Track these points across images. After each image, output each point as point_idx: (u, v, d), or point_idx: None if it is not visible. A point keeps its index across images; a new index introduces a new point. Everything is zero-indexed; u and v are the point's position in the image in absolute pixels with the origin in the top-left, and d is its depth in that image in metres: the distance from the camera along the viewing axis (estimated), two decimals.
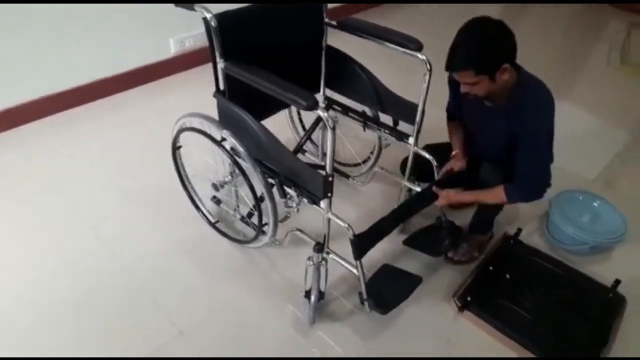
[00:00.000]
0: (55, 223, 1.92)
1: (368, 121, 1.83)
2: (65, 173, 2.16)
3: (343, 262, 1.51)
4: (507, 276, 1.73)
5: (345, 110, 1.88)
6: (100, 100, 2.64)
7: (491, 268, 1.75)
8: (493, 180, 1.60)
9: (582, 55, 3.50)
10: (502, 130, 1.53)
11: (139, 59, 2.71)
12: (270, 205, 1.54)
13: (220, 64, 1.42)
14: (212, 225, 1.88)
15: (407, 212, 1.67)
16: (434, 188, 1.67)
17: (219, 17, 1.36)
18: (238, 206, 1.81)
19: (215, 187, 1.70)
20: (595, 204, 1.94)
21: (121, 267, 1.75)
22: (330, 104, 1.92)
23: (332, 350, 1.53)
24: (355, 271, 1.48)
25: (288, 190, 1.52)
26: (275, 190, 1.56)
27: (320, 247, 1.48)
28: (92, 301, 1.63)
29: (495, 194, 1.57)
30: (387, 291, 1.54)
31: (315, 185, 1.39)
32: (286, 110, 2.16)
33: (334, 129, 1.23)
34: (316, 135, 2.09)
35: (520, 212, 2.03)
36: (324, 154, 2.20)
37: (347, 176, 2.12)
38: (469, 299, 1.62)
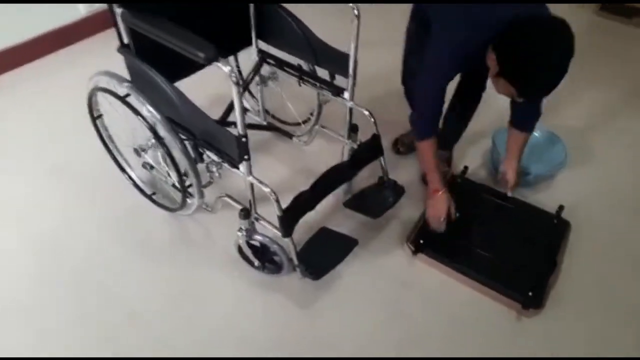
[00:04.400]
0: None
1: (304, 75, 1.70)
2: None
3: (273, 229, 1.42)
4: (457, 215, 1.70)
5: (280, 64, 1.75)
6: (8, 74, 2.42)
7: None
8: None
9: None
10: None
11: (45, 24, 2.47)
12: (188, 165, 1.44)
13: (117, 10, 1.25)
14: (149, 197, 1.77)
15: (331, 184, 1.55)
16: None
17: None
18: (169, 172, 1.70)
19: (137, 152, 1.57)
20: (536, 134, 1.91)
21: (56, 258, 1.63)
22: (264, 57, 1.77)
23: (282, 317, 1.48)
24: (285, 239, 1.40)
25: (209, 154, 1.41)
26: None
27: (246, 213, 1.39)
28: (31, 300, 1.52)
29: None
30: (321, 255, 1.46)
31: (231, 148, 1.28)
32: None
33: (237, 84, 1.10)
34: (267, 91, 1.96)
35: (465, 151, 2.03)
36: (266, 112, 2.08)
37: (290, 136, 2.00)
38: (421, 241, 1.60)
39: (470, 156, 2.02)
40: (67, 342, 1.42)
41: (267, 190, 1.31)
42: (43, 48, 2.51)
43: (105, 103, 1.55)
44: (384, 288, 1.57)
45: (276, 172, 1.93)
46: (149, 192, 1.77)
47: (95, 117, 1.65)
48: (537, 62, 1.13)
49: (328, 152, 2.00)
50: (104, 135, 1.72)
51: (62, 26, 2.55)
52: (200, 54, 1.07)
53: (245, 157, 1.26)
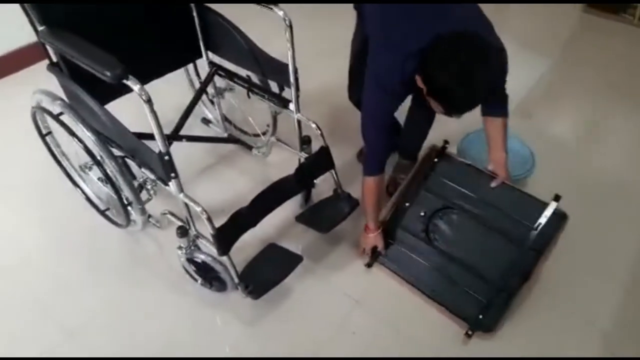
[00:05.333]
0: None
1: (252, 87, 1.66)
2: None
3: (212, 247, 1.37)
4: (422, 213, 1.55)
5: (230, 75, 1.71)
6: None
7: (407, 204, 1.59)
8: None
9: None
10: None
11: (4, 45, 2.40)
12: (124, 182, 1.41)
13: (40, 29, 1.23)
14: (102, 213, 1.75)
15: (275, 199, 1.48)
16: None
17: None
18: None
19: (82, 170, 1.56)
20: None
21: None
22: (215, 69, 1.74)
23: (227, 336, 1.44)
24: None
25: (145, 171, 1.38)
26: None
27: (183, 231, 1.35)
28: None
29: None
30: (265, 273, 1.42)
31: (157, 167, 1.24)
32: (184, 74, 1.97)
33: (148, 101, 1.07)
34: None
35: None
36: (229, 123, 2.04)
37: (250, 147, 1.96)
38: (378, 250, 1.55)
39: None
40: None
41: (198, 209, 1.27)
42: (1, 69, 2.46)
43: (52, 120, 1.54)
44: (333, 304, 1.51)
45: (238, 184, 1.89)
46: (102, 207, 1.74)
47: (43, 135, 1.63)
48: (450, 84, 1.12)
49: (290, 163, 1.95)
50: (56, 152, 1.70)
51: (21, 47, 2.47)
52: (108, 73, 1.03)
53: (172, 175, 1.23)
